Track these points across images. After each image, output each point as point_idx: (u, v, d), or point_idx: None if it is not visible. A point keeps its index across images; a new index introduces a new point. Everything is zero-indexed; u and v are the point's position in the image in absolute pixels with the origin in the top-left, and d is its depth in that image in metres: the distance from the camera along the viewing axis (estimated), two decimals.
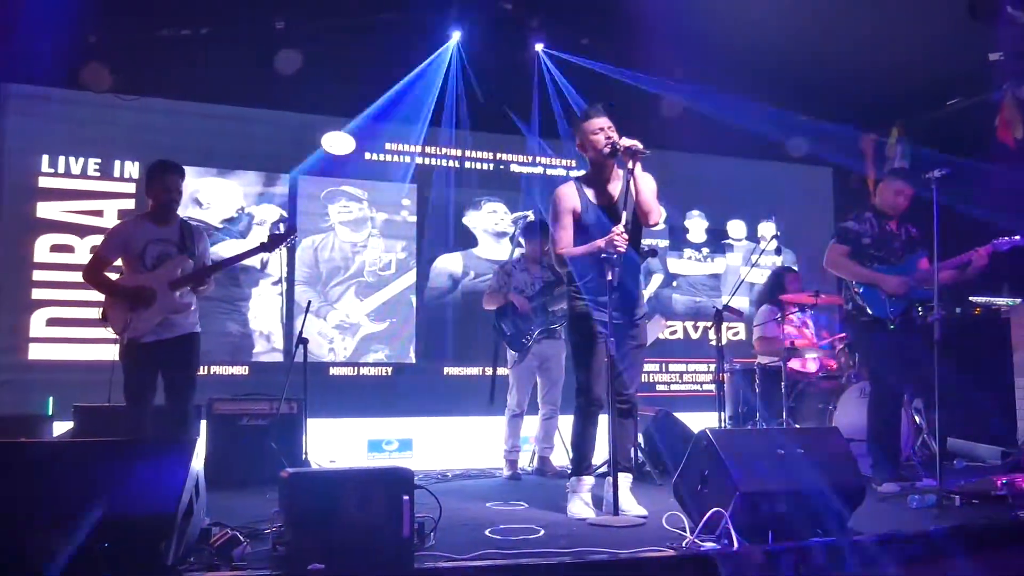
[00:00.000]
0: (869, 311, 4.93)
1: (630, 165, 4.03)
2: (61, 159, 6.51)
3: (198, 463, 3.20)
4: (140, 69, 6.37)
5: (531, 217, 7.29)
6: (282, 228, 6.72)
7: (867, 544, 3.45)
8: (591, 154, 4.25)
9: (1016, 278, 7.17)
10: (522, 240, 6.17)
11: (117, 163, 6.62)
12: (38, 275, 6.35)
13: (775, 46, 6.58)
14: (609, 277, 3.93)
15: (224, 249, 6.47)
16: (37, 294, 6.33)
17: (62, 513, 2.76)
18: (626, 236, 3.97)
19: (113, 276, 4.61)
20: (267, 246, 4.77)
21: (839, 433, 4.00)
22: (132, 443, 3.54)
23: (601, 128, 4.18)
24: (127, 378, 4.47)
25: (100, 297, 4.61)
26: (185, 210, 4.84)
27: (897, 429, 5.10)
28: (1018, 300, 6.88)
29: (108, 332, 4.53)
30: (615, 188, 4.22)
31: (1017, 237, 4.86)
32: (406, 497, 2.98)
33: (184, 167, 4.70)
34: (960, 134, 7.27)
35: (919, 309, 4.95)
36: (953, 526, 3.75)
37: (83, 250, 6.32)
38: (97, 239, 5.48)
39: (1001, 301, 7.07)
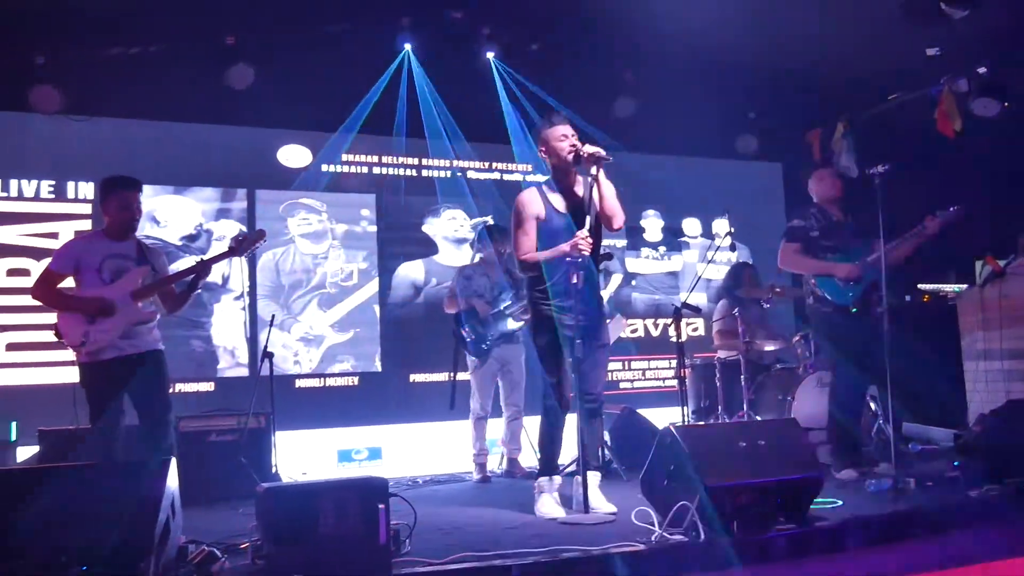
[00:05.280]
0: (829, 300, 5.06)
1: (593, 171, 4.12)
2: (13, 182, 6.43)
3: (173, 482, 3.22)
4: (90, 89, 6.30)
5: (491, 222, 7.34)
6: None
7: (827, 530, 3.59)
8: (554, 160, 4.33)
9: (961, 264, 7.41)
10: (479, 245, 6.22)
11: (71, 184, 6.56)
12: None
13: (722, 46, 6.71)
14: (575, 280, 4.01)
15: (184, 267, 6.40)
16: None
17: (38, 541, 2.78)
18: (590, 240, 4.06)
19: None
20: (236, 250, 4.55)
21: (797, 424, 4.14)
22: (108, 466, 3.54)
23: (565, 135, 4.27)
24: (91, 403, 4.24)
25: None
26: (142, 228, 4.73)
27: (858, 416, 5.23)
28: (964, 286, 7.10)
29: (70, 354, 4.30)
30: (577, 193, 4.29)
31: (957, 207, 4.91)
32: (381, 505, 3.04)
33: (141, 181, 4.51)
34: (902, 128, 7.47)
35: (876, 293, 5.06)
36: (908, 508, 3.91)
37: (40, 273, 6.22)
38: None
39: (948, 288, 7.29)
